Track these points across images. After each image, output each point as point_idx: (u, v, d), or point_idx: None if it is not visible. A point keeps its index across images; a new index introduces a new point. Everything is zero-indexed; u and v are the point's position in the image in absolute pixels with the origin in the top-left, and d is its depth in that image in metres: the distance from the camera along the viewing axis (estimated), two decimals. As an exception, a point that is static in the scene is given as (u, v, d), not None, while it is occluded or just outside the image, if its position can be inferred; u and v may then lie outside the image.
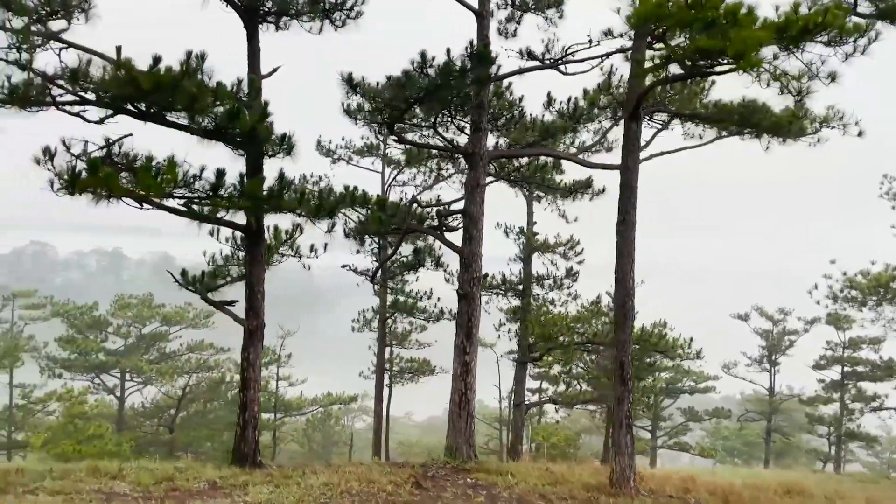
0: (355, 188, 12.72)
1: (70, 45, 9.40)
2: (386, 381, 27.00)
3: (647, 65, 10.40)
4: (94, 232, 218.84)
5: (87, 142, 8.63)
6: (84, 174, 7.62)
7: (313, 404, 38.67)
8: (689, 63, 8.06)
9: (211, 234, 12.55)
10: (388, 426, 27.15)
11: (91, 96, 8.93)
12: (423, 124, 13.84)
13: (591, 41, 12.37)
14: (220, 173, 8.79)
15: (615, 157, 16.16)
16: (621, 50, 12.92)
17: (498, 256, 24.99)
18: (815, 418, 43.77)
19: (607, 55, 13.39)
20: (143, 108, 9.09)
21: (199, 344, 40.85)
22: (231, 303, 11.73)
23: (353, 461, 32.42)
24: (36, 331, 39.44)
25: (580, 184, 18.14)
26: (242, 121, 8.85)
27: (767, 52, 7.71)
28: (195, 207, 10.04)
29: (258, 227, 10.74)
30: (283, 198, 9.12)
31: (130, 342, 40.12)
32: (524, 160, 17.95)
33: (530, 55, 12.74)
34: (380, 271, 21.33)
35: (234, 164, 10.48)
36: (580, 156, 14.55)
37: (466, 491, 9.53)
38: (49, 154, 7.97)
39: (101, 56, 9.33)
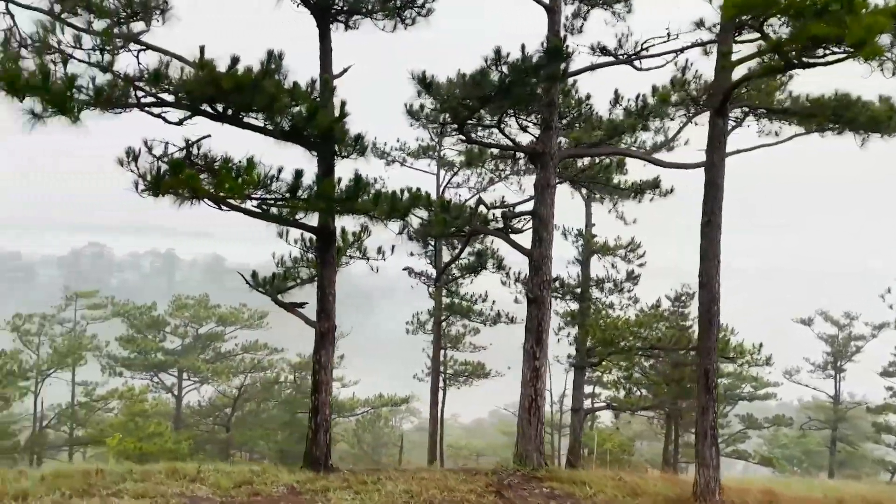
0: (417, 189, 12.56)
1: (149, 46, 9.42)
2: (440, 383, 26.82)
3: (734, 57, 9.90)
4: (148, 234, 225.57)
5: (167, 143, 8.62)
6: (167, 176, 7.57)
7: (365, 405, 38.76)
8: (792, 53, 7.57)
9: (280, 235, 12.52)
10: (442, 429, 26.94)
11: (169, 98, 8.94)
12: (487, 124, 13.58)
13: (668, 35, 11.90)
14: (298, 174, 8.67)
15: (679, 155, 15.66)
16: (700, 43, 12.43)
17: (555, 259, 24.55)
18: (882, 427, 41.92)
19: (682, 49, 12.93)
20: (221, 110, 9.05)
21: (254, 344, 41.42)
22: (301, 305, 11.66)
23: (412, 464, 32.43)
24: (96, 330, 40.49)
25: (647, 184, 17.60)
26: (320, 121, 8.72)
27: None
28: (267, 208, 9.99)
29: (330, 229, 10.62)
30: (358, 199, 8.95)
31: (187, 342, 40.95)
32: (586, 160, 17.56)
33: (603, 51, 12.33)
34: (437, 274, 21.11)
35: (295, 164, 10.41)
36: (653, 155, 14.04)
37: (549, 501, 9.20)
38: (133, 155, 7.96)
39: (178, 58, 9.33)
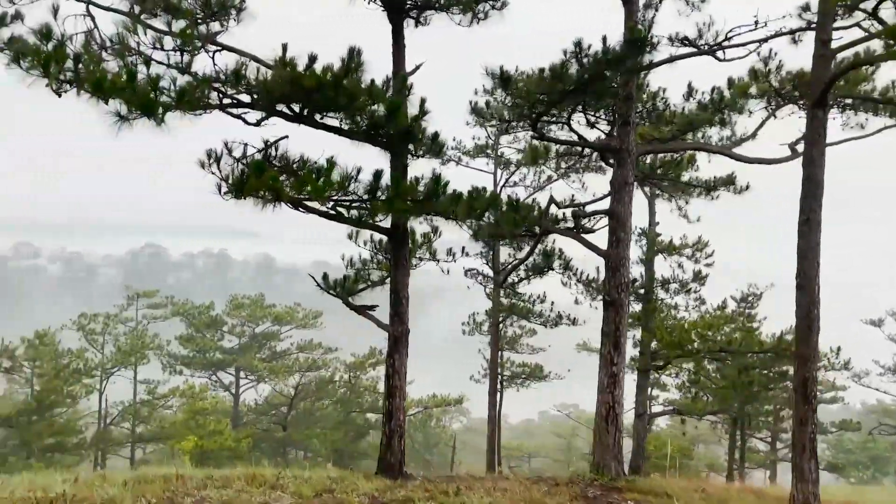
0: (483, 188, 12.19)
1: (224, 47, 9.31)
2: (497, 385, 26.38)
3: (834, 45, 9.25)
4: (202, 235, 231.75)
5: (246, 144, 8.47)
6: (250, 178, 7.39)
7: (419, 406, 38.62)
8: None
9: (349, 237, 12.36)
10: (499, 432, 26.53)
11: (245, 98, 8.80)
12: (555, 120, 13.14)
13: (756, 23, 11.26)
14: (378, 175, 8.42)
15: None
16: (788, 31, 11.74)
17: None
18: (960, 434, 39.73)
19: (767, 39, 12.25)
20: (297, 110, 8.87)
21: (309, 343, 41.78)
22: (372, 307, 11.43)
23: (464, 465, 32.09)
24: (156, 329, 41.37)
25: (720, 180, 16.86)
26: (400, 120, 8.45)
27: None
28: (341, 210, 9.79)
29: (403, 230, 10.35)
30: (439, 199, 8.64)
31: (244, 341, 41.56)
32: (650, 156, 16.93)
33: (684, 41, 11.75)
34: (504, 274, 20.70)
35: (362, 164, 10.18)
36: (733, 150, 13.36)
37: (640, 517, 8.74)
38: (214, 157, 7.83)
39: (253, 58, 9.20)
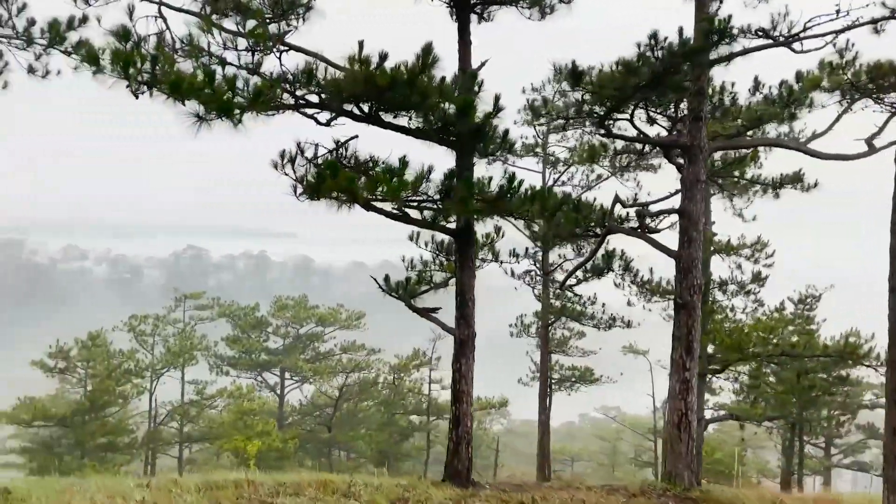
0: (550, 187, 11.86)
1: (291, 47, 9.18)
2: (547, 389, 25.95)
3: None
4: (242, 236, 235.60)
5: (317, 145, 8.32)
6: (326, 179, 7.21)
7: (463, 408, 38.34)
8: None
9: (411, 238, 12.15)
10: (549, 437, 26.08)
11: (313, 98, 8.65)
12: (616, 117, 12.74)
13: (837, 11, 10.71)
14: (451, 174, 8.18)
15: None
16: (870, 21, 11.14)
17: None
18: None
19: (844, 29, 11.66)
20: (366, 110, 8.68)
21: (352, 345, 41.84)
22: (435, 310, 11.21)
23: (505, 468, 31.53)
24: (202, 330, 41.86)
25: (788, 178, 16.21)
26: (472, 118, 8.19)
27: None
28: (407, 210, 9.59)
29: (469, 231, 10.09)
30: (512, 199, 8.35)
31: (288, 342, 41.82)
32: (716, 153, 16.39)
33: (759, 32, 11.23)
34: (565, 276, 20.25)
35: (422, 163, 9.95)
36: (807, 146, 12.78)
37: (729, 532, 8.32)
38: (289, 158, 7.68)
39: (319, 57, 9.04)
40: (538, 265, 24.31)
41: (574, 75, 9.51)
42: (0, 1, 9.79)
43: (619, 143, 16.46)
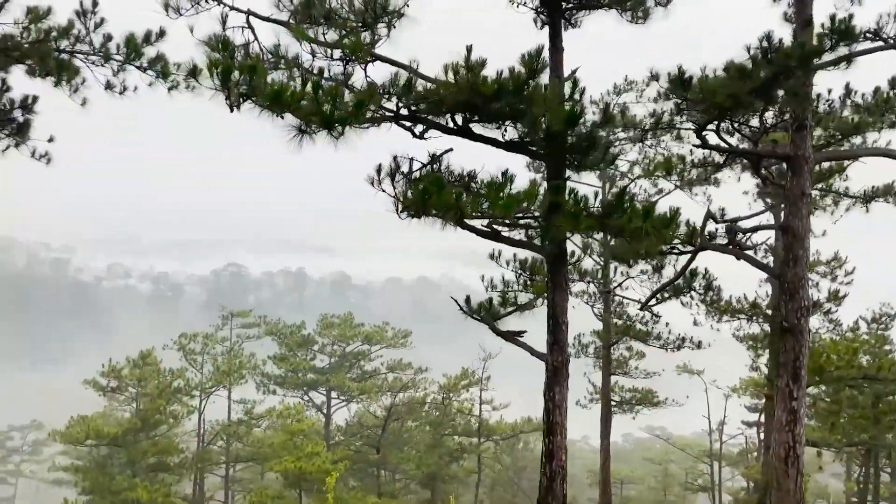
0: (654, 202, 11.13)
1: (378, 57, 8.70)
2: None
3: None
4: (281, 252, 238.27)
5: (412, 159, 7.77)
6: (432, 195, 6.66)
7: (514, 430, 37.40)
8: None
9: (491, 257, 11.57)
10: (609, 462, 25.03)
11: (404, 109, 8.15)
12: (691, 129, 12.00)
13: (962, 8, 9.85)
14: (558, 189, 7.54)
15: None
16: None
17: (739, 275, 22.20)
18: None
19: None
20: (459, 121, 8.14)
21: (399, 363, 41.31)
22: (520, 333, 10.56)
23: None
24: (248, 348, 41.81)
25: (880, 190, 15.20)
26: (579, 128, 7.57)
27: None
28: (497, 227, 8.99)
29: (562, 249, 9.42)
30: (621, 216, 7.68)
31: (334, 361, 41.45)
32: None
33: (869, 34, 10.42)
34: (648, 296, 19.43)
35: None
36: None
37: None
38: (387, 173, 7.16)
39: (405, 67, 8.56)
40: (597, 283, 23.48)
41: (681, 81, 8.83)
42: (78, 17, 9.55)
43: (697, 156, 15.71)
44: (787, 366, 10.60)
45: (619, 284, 22.70)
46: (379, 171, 7.32)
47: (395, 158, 7.47)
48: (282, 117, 6.54)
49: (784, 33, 9.90)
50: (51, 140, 10.88)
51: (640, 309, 19.09)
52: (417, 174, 7.70)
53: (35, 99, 9.83)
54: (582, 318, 26.28)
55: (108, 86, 9.73)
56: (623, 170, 23.48)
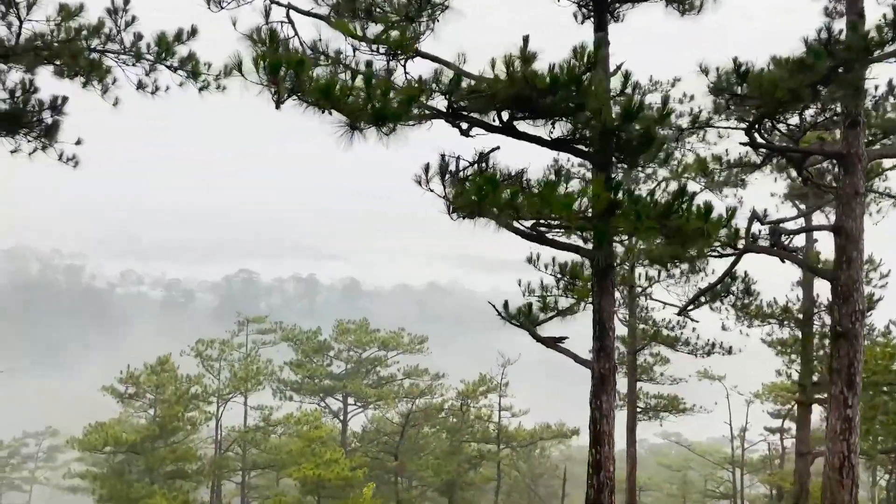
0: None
1: (419, 53, 8.38)
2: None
3: None
4: (291, 259, 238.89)
5: (458, 157, 7.43)
6: (487, 195, 6.31)
7: (532, 437, 36.92)
8: None
9: (529, 261, 11.21)
10: (636, 470, 24.52)
11: (442, 107, 7.82)
12: (733, 126, 11.60)
13: None
14: (616, 187, 7.16)
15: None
16: None
17: (771, 279, 21.69)
18: None
19: None
20: (505, 118, 7.81)
21: (415, 369, 40.95)
22: (561, 339, 10.19)
23: (571, 496, 29.83)
24: (262, 354, 41.47)
25: (924, 191, 14.73)
26: (635, 125, 7.20)
27: None
28: (542, 229, 8.64)
29: (609, 252, 9.05)
30: (680, 216, 7.30)
31: (350, 367, 41.13)
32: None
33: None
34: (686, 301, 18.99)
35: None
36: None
37: None
38: (437, 172, 6.81)
39: (446, 63, 8.24)
40: (622, 287, 23.05)
41: (740, 75, 8.44)
42: (108, 14, 9.29)
43: (732, 156, 15.30)
44: (840, 372, 10.17)
45: (645, 289, 22.29)
46: (427, 169, 6.99)
47: (443, 157, 7.14)
48: (329, 113, 6.22)
49: (808, 27, 9.48)
50: (78, 143, 10.62)
51: (678, 314, 18.67)
52: (463, 173, 7.34)
53: (64, 100, 9.57)
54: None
55: (140, 85, 9.46)
56: (647, 172, 23.14)
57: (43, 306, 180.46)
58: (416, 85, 6.75)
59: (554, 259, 10.89)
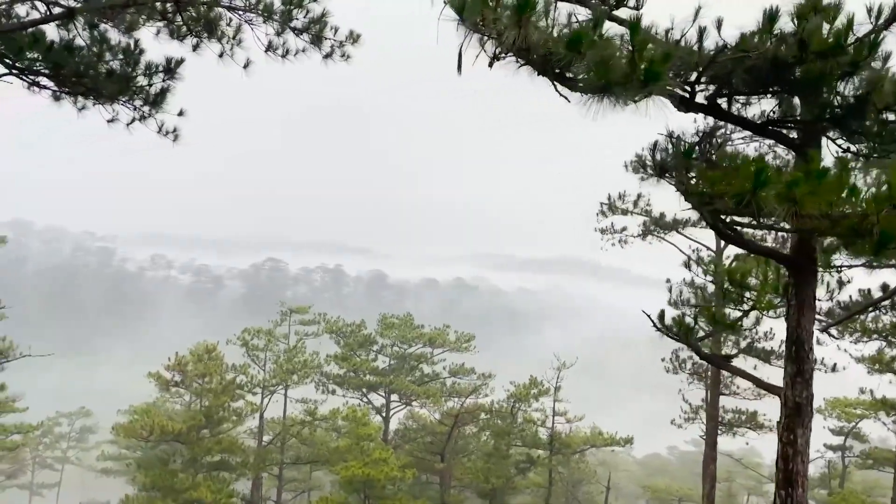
0: None
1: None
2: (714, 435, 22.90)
3: None
4: (319, 250, 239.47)
5: (676, 136, 6.07)
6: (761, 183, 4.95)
7: (585, 443, 35.49)
8: None
9: (686, 265, 9.83)
10: (714, 490, 22.99)
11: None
12: None
13: None
14: None
15: None
16: None
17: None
18: None
19: None
20: (708, 95, 6.44)
21: (461, 368, 39.75)
22: (729, 357, 8.83)
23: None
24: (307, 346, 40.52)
25: None
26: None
27: None
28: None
29: (813, 260, 7.63)
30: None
31: (394, 363, 40.04)
32: None
33: None
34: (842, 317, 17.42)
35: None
36: None
37: None
38: (672, 153, 5.47)
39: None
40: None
41: None
42: (234, -35, 8.07)
43: None
44: None
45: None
46: (654, 150, 5.63)
47: (669, 136, 5.78)
48: (563, 74, 4.90)
49: None
50: (181, 114, 9.43)
51: (821, 330, 17.09)
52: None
53: (179, 62, 8.37)
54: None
55: (270, 47, 8.23)
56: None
57: (74, 287, 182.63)
58: (669, 46, 5.39)
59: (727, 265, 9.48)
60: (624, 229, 23.35)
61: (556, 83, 5.20)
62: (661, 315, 9.20)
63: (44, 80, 8.74)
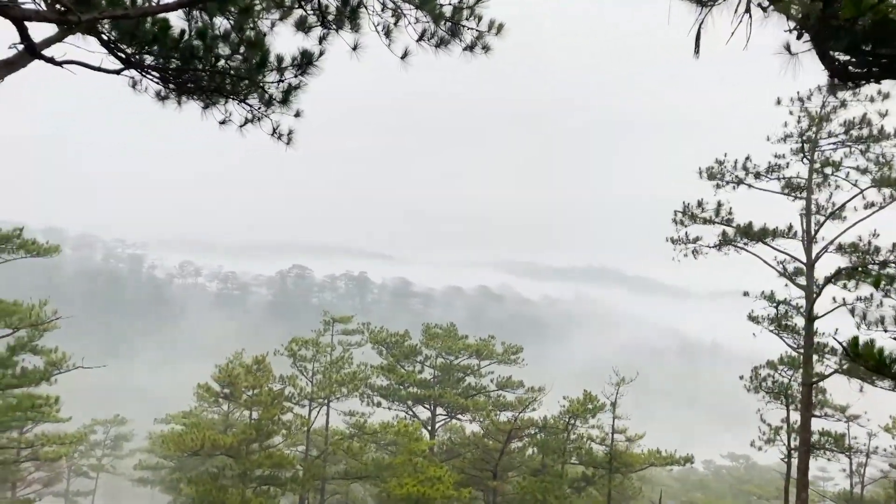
0: None
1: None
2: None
3: None
4: (344, 257, 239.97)
5: None
6: None
7: (644, 462, 34.06)
8: None
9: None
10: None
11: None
12: None
13: None
14: None
15: None
16: None
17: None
18: None
19: None
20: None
21: (509, 381, 38.64)
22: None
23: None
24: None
25: None
26: None
27: None
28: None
29: None
30: None
31: (439, 374, 39.02)
32: None
33: None
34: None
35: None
36: None
37: None
38: None
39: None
40: (802, 311, 20.24)
41: None
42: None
43: None
44: None
45: (831, 310, 19.46)
46: None
47: None
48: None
49: None
50: (297, 115, 8.54)
51: None
52: None
53: (319, 55, 7.45)
54: (753, 346, 23.09)
55: (423, 36, 7.29)
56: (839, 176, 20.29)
57: (105, 294, 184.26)
58: None
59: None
60: (698, 239, 22.24)
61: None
62: (855, 342, 8.10)
63: (156, 76, 7.92)
